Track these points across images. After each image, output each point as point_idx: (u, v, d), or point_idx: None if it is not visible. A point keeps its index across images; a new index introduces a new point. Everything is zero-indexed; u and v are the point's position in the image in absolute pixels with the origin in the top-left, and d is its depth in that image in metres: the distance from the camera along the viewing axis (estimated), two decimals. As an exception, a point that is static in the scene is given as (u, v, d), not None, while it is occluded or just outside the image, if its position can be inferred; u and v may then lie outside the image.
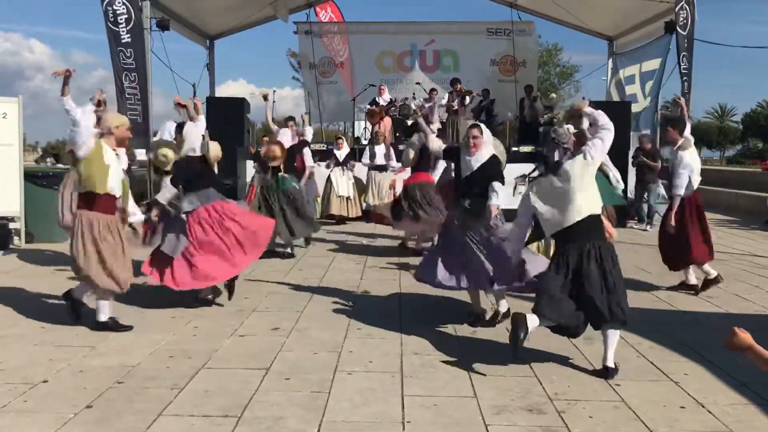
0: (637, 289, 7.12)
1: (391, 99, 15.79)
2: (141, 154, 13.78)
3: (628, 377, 4.36)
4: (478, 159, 5.46)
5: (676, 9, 12.91)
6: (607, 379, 4.30)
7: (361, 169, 13.01)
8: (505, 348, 4.95)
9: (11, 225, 9.44)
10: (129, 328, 5.35)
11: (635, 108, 14.63)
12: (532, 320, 4.27)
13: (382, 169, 12.60)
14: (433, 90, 15.55)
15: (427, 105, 15.12)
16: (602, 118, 4.46)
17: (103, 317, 5.35)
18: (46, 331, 5.27)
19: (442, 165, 8.85)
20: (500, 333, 5.34)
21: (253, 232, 6.02)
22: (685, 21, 13.00)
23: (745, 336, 2.40)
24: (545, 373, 4.42)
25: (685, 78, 13.12)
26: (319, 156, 12.85)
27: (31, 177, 9.87)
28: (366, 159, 12.71)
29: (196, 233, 5.82)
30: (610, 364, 4.39)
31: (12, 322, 5.50)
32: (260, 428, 3.51)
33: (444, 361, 4.64)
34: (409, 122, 14.22)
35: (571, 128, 4.79)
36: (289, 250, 8.91)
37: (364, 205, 12.90)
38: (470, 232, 5.38)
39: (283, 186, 8.84)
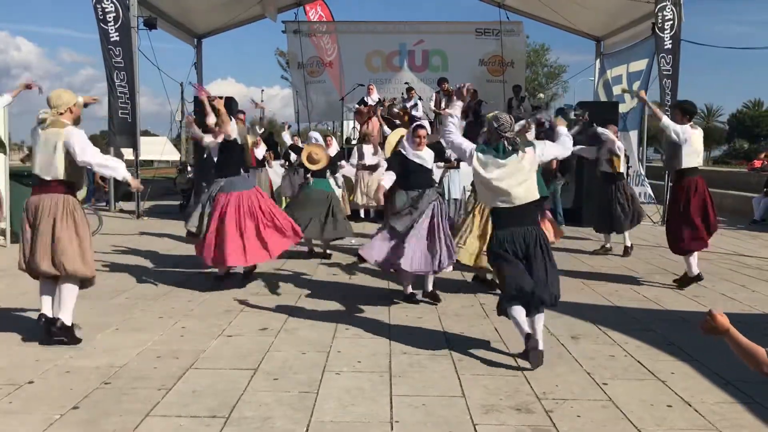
0: (624, 288, 7.16)
1: (379, 99, 15.77)
2: (128, 153, 13.72)
3: (616, 376, 4.38)
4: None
5: (656, 10, 12.98)
6: None
7: (349, 169, 13.00)
8: (494, 347, 4.97)
9: (-4, 224, 9.36)
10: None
11: (622, 108, 14.71)
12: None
13: (370, 168, 12.62)
14: (410, 89, 15.52)
15: (408, 105, 15.13)
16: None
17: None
18: (32, 331, 5.21)
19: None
20: (488, 332, 5.35)
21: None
22: (670, 22, 13.06)
23: (722, 319, 2.28)
24: (533, 372, 4.43)
25: (665, 79, 13.18)
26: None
27: (16, 176, 9.79)
28: (354, 159, 12.72)
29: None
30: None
31: (-3, 323, 5.45)
32: (248, 428, 3.50)
33: (432, 361, 4.64)
34: (397, 122, 14.21)
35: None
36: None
37: (352, 204, 12.90)
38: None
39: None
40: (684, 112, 7.12)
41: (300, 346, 4.91)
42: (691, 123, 7.07)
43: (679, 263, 8.54)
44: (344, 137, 17.88)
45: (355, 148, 13.10)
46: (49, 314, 4.91)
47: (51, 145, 4.81)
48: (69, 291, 4.91)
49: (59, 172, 4.82)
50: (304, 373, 4.33)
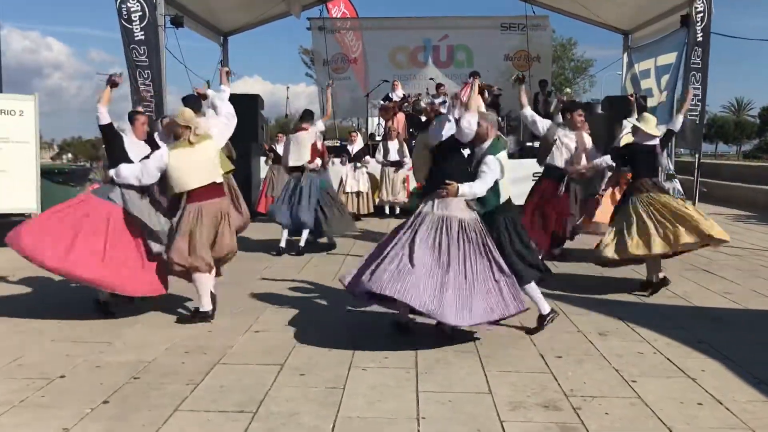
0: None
1: (404, 95, 15.74)
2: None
3: (645, 374, 4.33)
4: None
5: (695, 4, 12.76)
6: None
7: (375, 166, 13.02)
8: (521, 343, 4.95)
9: (28, 222, 9.53)
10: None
11: (651, 102, 14.51)
12: None
13: (395, 165, 12.63)
14: (440, 85, 15.47)
15: (436, 101, 15.07)
16: None
17: None
18: (63, 327, 5.31)
19: None
20: (514, 330, 5.32)
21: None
22: (701, 14, 12.84)
23: None
24: (561, 369, 4.40)
25: (693, 72, 12.96)
26: (333, 153, 12.78)
27: (47, 174, 9.97)
28: (379, 155, 12.74)
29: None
30: None
31: (29, 318, 5.55)
32: (275, 424, 3.52)
33: (459, 357, 4.63)
34: (423, 118, 14.19)
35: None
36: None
37: (377, 200, 12.92)
38: None
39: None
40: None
41: (326, 342, 4.93)
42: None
43: (714, 260, 8.42)
44: (368, 133, 17.88)
45: (380, 145, 13.10)
46: None
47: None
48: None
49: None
50: (331, 369, 4.35)
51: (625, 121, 8.50)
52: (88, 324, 5.38)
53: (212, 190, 5.52)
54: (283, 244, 8.80)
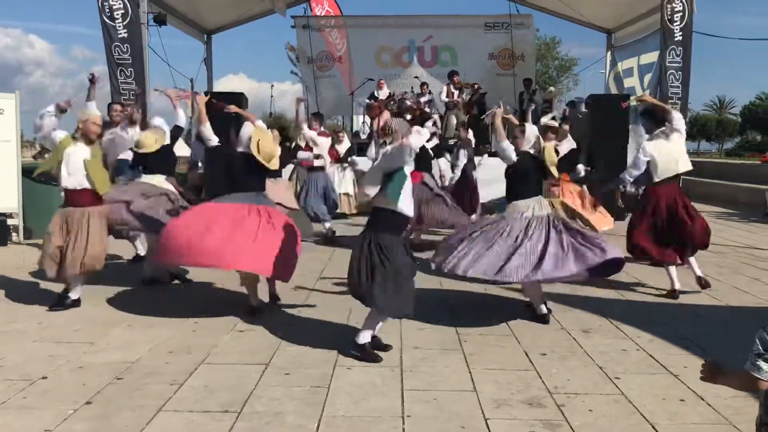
0: (635, 282, 7.12)
1: (389, 93, 15.74)
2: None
3: (628, 370, 4.36)
4: None
5: (664, 2, 12.85)
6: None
7: (366, 164, 12.97)
8: (506, 341, 4.96)
9: (9, 221, 9.43)
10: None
11: (634, 101, 14.62)
12: None
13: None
14: (424, 84, 15.49)
15: (421, 100, 15.09)
16: None
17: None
18: (45, 327, 5.26)
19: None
20: (501, 327, 5.34)
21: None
22: (680, 13, 12.93)
23: (707, 371, 2.33)
24: (545, 366, 4.42)
25: (672, 71, 13.05)
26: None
27: (28, 173, 9.84)
28: (372, 153, 12.68)
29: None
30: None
31: (11, 318, 5.49)
32: (260, 423, 3.51)
33: (444, 356, 4.64)
34: (408, 117, 14.18)
35: None
36: None
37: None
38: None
39: None
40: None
41: (311, 341, 4.92)
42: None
43: (696, 257, 8.49)
44: (353, 132, 17.85)
45: (373, 143, 13.06)
46: None
47: None
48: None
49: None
50: (316, 368, 4.34)
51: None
52: (71, 324, 5.34)
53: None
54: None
